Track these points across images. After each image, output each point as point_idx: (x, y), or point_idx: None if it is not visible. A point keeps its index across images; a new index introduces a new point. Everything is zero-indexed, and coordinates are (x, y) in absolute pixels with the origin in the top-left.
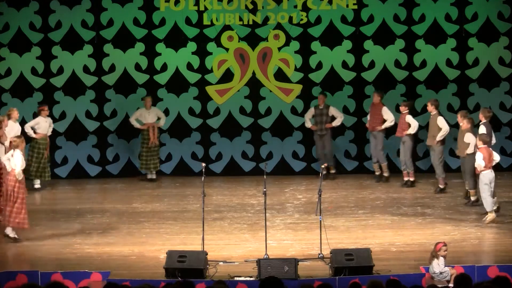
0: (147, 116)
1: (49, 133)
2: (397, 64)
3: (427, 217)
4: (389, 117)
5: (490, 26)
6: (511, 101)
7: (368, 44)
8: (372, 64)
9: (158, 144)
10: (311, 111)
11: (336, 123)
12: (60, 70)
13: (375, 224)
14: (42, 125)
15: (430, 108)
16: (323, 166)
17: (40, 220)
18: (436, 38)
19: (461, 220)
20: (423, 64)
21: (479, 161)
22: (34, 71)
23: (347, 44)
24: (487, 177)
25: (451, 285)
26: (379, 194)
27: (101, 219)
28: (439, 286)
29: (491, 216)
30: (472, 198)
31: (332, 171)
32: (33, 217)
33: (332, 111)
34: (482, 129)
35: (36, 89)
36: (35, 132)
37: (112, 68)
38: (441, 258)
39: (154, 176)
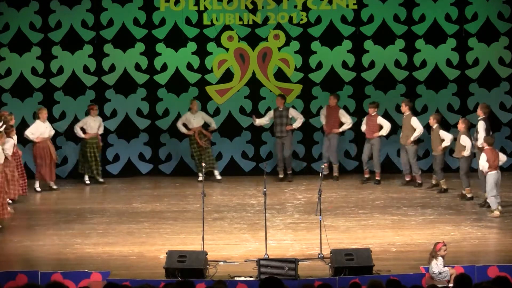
0: (193, 121)
1: (101, 132)
2: (397, 64)
3: (427, 217)
4: (347, 120)
5: (490, 26)
6: (511, 101)
7: (368, 44)
8: (372, 64)
9: (208, 145)
10: (270, 114)
11: (296, 124)
12: (60, 70)
13: (375, 224)
14: (91, 125)
15: (404, 108)
16: (323, 166)
17: (40, 220)
18: (436, 38)
19: (461, 220)
20: (423, 64)
21: (483, 163)
22: (34, 71)
23: (347, 44)
24: (493, 177)
25: (451, 285)
26: (379, 194)
27: (101, 219)
28: (439, 286)
29: (496, 213)
30: (468, 195)
31: (290, 178)
32: (33, 217)
33: (292, 112)
34: (481, 125)
35: (36, 89)
36: (84, 132)
37: (112, 68)
38: (440, 258)
39: (201, 178)
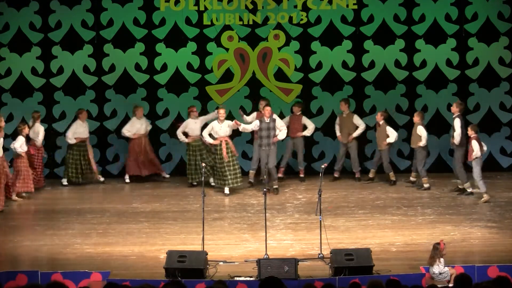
0: (219, 130)
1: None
2: (397, 64)
3: (427, 217)
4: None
5: (490, 26)
6: (511, 101)
7: (368, 44)
8: (372, 64)
9: (236, 155)
10: (256, 124)
11: (281, 136)
12: (60, 70)
13: (375, 224)
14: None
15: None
16: (322, 166)
17: (40, 220)
18: (436, 38)
19: (461, 220)
20: (423, 64)
21: (477, 150)
22: (34, 71)
23: (347, 44)
24: (479, 163)
25: (451, 285)
26: (379, 194)
27: (101, 219)
28: (439, 286)
29: (486, 197)
30: (425, 185)
31: (275, 188)
32: (33, 217)
33: (279, 124)
34: (458, 122)
35: (36, 89)
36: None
37: (112, 68)
38: (441, 259)
39: (226, 193)
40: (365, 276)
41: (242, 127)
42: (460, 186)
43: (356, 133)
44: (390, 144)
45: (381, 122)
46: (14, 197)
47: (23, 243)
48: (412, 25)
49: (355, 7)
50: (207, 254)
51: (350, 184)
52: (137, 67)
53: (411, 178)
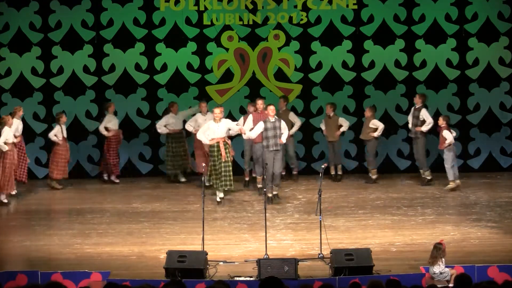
0: (216, 130)
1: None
2: (397, 64)
3: (427, 217)
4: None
5: (490, 26)
6: (511, 101)
7: (368, 44)
8: (372, 64)
9: (231, 159)
10: (261, 126)
11: (283, 138)
12: (60, 70)
13: (375, 224)
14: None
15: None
16: (322, 166)
17: (40, 220)
18: (436, 38)
19: (461, 220)
20: (423, 64)
21: (450, 138)
22: (34, 71)
23: (347, 44)
24: (453, 149)
25: (451, 285)
26: (379, 194)
27: (101, 219)
28: (439, 286)
29: (452, 184)
30: (373, 177)
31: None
32: (33, 217)
33: (283, 125)
34: (425, 111)
35: (36, 89)
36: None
37: (112, 68)
38: (442, 259)
39: (220, 197)
40: (365, 276)
41: (247, 135)
42: (427, 177)
43: (292, 131)
44: (343, 133)
45: (331, 114)
46: (53, 183)
47: (23, 243)
48: (412, 25)
49: (355, 7)
50: (207, 254)
51: (350, 184)
52: (137, 67)
53: (373, 176)
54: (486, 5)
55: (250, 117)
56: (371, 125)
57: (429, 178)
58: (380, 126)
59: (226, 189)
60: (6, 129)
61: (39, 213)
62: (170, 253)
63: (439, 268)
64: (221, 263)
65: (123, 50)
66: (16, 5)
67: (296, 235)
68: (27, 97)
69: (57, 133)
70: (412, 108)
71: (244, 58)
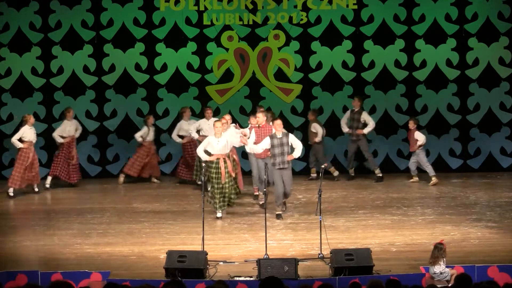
0: (216, 146)
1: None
2: (397, 64)
3: (427, 217)
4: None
5: (490, 26)
6: (511, 101)
7: (368, 44)
8: (372, 64)
9: (232, 176)
10: (267, 141)
11: (296, 153)
12: (60, 70)
13: (375, 224)
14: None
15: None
16: (323, 166)
17: (40, 220)
18: (436, 38)
19: (461, 220)
20: (423, 64)
21: (423, 138)
22: (34, 71)
23: (347, 44)
24: (424, 150)
25: (451, 285)
26: (379, 194)
27: (101, 219)
28: (439, 286)
29: (434, 179)
30: (313, 175)
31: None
32: (33, 217)
33: (291, 138)
34: (366, 114)
35: (36, 89)
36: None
37: (112, 68)
38: (443, 259)
39: (219, 216)
40: (365, 276)
41: (250, 147)
42: (378, 174)
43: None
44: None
45: (311, 119)
46: (125, 174)
47: (23, 243)
48: (412, 25)
49: (355, 7)
50: (207, 254)
51: (350, 184)
52: (137, 67)
53: (312, 175)
54: (486, 5)
55: (253, 132)
56: (312, 129)
57: (380, 175)
58: (319, 131)
59: (225, 207)
60: (25, 127)
61: (39, 213)
62: (170, 253)
63: (439, 268)
64: (221, 263)
65: (123, 50)
66: (16, 5)
67: (296, 235)
68: (27, 97)
69: (143, 134)
70: (349, 111)
71: (244, 58)
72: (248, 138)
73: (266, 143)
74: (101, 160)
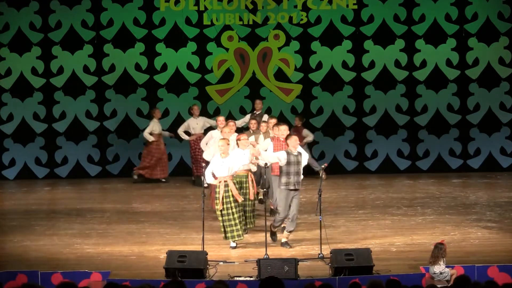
0: (220, 166)
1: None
2: (397, 64)
3: (427, 217)
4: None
5: (490, 26)
6: (511, 101)
7: (368, 44)
8: (372, 64)
9: (238, 201)
10: (283, 155)
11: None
12: (60, 70)
13: (375, 224)
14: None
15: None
16: (323, 166)
17: (40, 220)
18: (436, 38)
19: (461, 220)
20: (423, 64)
21: (311, 135)
22: (34, 71)
23: (347, 44)
24: (305, 146)
25: (451, 285)
26: (379, 194)
27: (101, 219)
28: (439, 286)
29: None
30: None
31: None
32: (33, 217)
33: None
34: (265, 116)
35: (36, 89)
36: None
37: (112, 68)
38: (444, 259)
39: (233, 246)
40: (365, 276)
41: (262, 156)
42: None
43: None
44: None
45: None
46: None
47: (23, 243)
48: (412, 25)
49: (355, 7)
50: (207, 254)
51: (350, 184)
52: (137, 67)
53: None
54: (486, 5)
55: (271, 145)
56: (303, 135)
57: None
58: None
59: (237, 240)
60: (153, 121)
61: (39, 213)
62: (170, 253)
63: (439, 268)
64: (221, 263)
65: (123, 50)
66: (16, 5)
67: (296, 235)
68: (27, 97)
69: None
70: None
71: (244, 58)
72: (265, 150)
73: (282, 156)
74: (101, 160)
